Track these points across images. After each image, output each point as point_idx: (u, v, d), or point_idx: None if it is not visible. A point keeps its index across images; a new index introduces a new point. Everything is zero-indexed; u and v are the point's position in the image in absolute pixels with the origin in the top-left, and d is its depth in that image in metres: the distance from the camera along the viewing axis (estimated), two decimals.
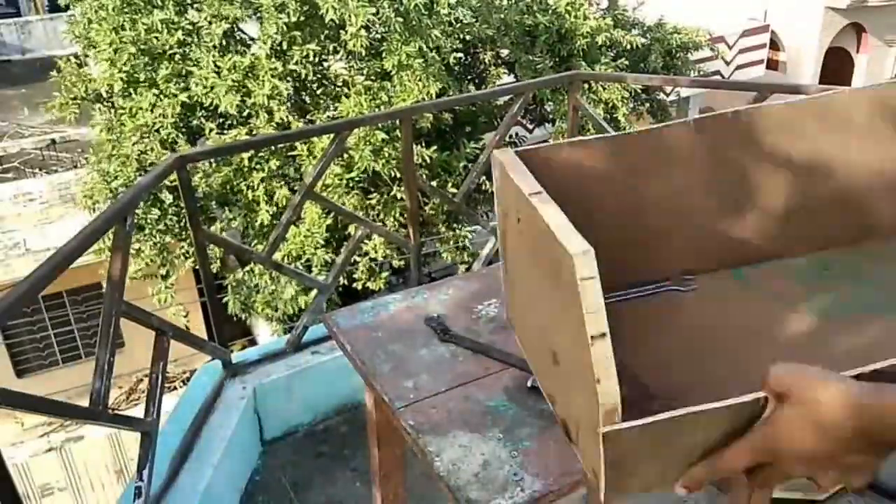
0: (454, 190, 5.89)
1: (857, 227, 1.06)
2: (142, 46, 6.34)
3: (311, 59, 6.37)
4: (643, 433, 0.66)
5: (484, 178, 7.57)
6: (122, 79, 6.42)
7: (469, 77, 7.91)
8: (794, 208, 1.03)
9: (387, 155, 6.20)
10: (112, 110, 6.89)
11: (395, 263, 7.25)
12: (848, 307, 0.99)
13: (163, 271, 6.93)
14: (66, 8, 7.60)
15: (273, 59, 6.23)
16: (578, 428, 0.77)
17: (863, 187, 1.03)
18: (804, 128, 0.98)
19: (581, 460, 0.78)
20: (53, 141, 10.45)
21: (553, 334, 0.80)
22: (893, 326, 0.96)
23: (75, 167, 9.59)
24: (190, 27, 6.45)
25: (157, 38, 6.35)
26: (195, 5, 6.61)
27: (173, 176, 2.19)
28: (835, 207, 1.04)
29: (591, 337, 0.67)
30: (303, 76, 6.46)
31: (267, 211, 6.35)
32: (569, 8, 7.64)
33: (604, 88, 7.53)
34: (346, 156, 6.25)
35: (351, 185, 6.44)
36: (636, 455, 0.68)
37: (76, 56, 7.32)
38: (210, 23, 6.33)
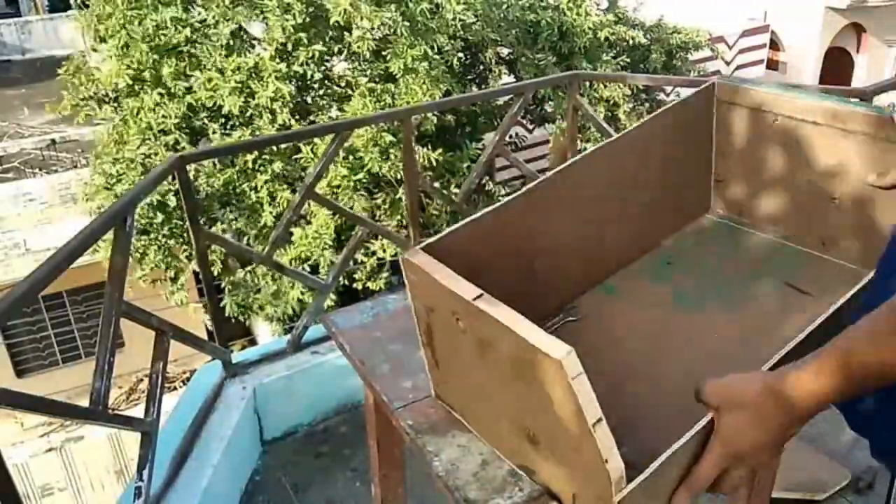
0: (457, 191, 5.90)
1: (670, 225, 1.32)
2: (150, 43, 6.34)
3: (315, 60, 6.37)
4: (643, 485, 0.75)
5: (486, 178, 7.60)
6: (128, 75, 6.42)
7: (470, 77, 7.91)
8: (619, 225, 1.24)
9: (393, 156, 6.21)
10: (117, 111, 6.90)
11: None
12: (701, 298, 1.18)
13: (170, 273, 6.95)
14: (68, 7, 7.61)
15: (277, 61, 6.23)
16: (576, 498, 0.83)
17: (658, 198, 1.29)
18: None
19: None
20: (53, 141, 10.46)
21: (526, 419, 0.85)
22: (750, 309, 1.13)
23: (75, 167, 9.60)
24: (198, 24, 6.46)
25: (164, 34, 6.36)
26: (201, 2, 6.62)
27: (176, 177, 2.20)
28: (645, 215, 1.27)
29: (592, 425, 0.73)
30: (306, 77, 6.46)
31: (270, 213, 6.35)
32: (570, 5, 7.65)
33: (605, 86, 7.54)
34: (352, 157, 6.26)
35: (358, 186, 6.45)
36: None
37: (82, 54, 7.33)
38: (217, 22, 6.34)
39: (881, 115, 1.08)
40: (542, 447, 0.84)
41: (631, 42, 7.94)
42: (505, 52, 7.81)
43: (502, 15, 7.43)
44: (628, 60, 7.97)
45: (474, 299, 0.81)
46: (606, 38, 7.71)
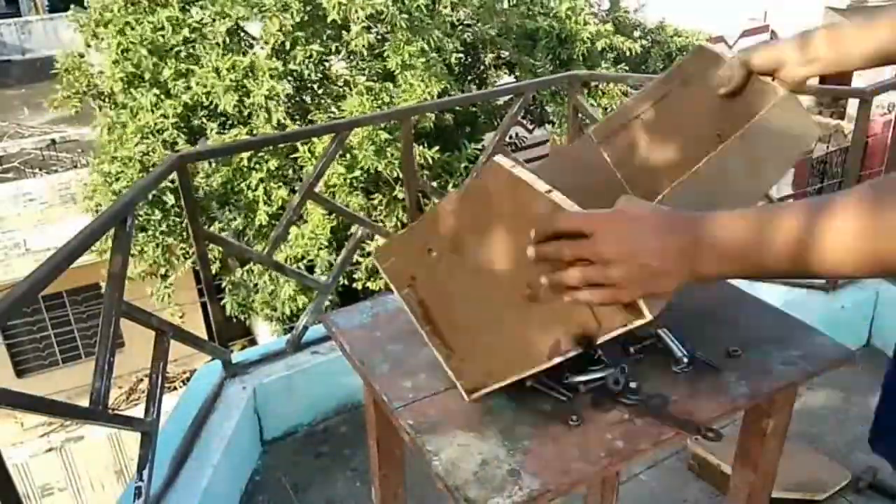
0: (455, 190, 5.88)
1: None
2: (148, 46, 6.36)
3: (313, 59, 6.37)
4: None
5: None
6: (122, 79, 6.44)
7: (470, 77, 7.92)
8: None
9: (389, 155, 6.20)
10: (114, 109, 6.91)
11: None
12: None
13: (163, 271, 6.95)
14: (68, 7, 7.62)
15: (273, 59, 6.24)
16: (597, 311, 0.83)
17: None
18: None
19: (617, 328, 0.82)
20: (53, 141, 10.46)
21: (518, 275, 0.88)
22: None
23: (75, 167, 9.60)
24: (196, 24, 6.47)
25: (162, 36, 6.37)
26: (199, 3, 6.63)
27: (174, 176, 2.20)
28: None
29: (546, 191, 0.81)
30: (304, 76, 6.45)
31: (265, 211, 6.35)
32: (569, 13, 7.66)
33: (602, 94, 7.56)
34: (348, 155, 6.26)
35: (354, 184, 6.44)
36: None
37: (80, 55, 7.34)
38: (214, 20, 6.35)
39: (695, 53, 1.19)
40: (545, 297, 0.85)
41: (628, 53, 7.97)
42: (505, 53, 7.82)
43: (502, 21, 7.44)
44: (627, 68, 8.00)
45: (444, 208, 0.91)
46: (605, 48, 7.73)
